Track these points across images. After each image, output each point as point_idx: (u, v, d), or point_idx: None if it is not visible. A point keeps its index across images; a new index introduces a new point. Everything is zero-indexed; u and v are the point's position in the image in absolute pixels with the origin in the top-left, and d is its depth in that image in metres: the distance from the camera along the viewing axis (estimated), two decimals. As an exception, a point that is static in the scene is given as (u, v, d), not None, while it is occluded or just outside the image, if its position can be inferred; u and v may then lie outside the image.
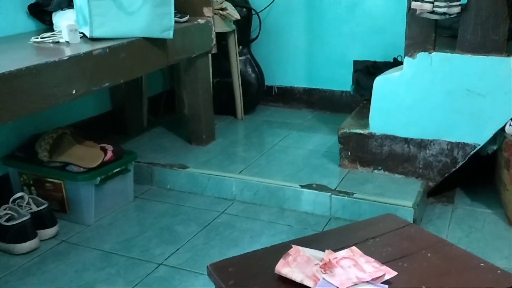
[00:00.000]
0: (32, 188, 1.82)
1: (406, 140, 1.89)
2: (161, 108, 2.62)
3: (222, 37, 2.45)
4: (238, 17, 2.45)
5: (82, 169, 1.74)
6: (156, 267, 1.55)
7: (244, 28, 2.64)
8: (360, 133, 1.97)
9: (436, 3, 1.61)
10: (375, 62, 2.50)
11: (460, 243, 1.63)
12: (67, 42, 1.61)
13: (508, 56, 1.67)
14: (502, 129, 1.73)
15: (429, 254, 0.93)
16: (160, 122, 2.56)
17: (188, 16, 2.06)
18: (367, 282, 0.83)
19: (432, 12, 1.64)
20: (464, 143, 1.80)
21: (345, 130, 2.01)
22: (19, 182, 1.84)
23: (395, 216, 1.11)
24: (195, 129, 2.28)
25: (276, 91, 2.87)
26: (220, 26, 2.35)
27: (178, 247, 1.66)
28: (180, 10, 2.02)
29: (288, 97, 2.85)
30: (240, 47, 2.62)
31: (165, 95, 2.69)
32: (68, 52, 1.50)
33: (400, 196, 1.79)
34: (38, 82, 1.36)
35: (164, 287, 1.46)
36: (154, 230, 1.77)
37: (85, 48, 1.55)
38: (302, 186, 1.89)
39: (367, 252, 0.90)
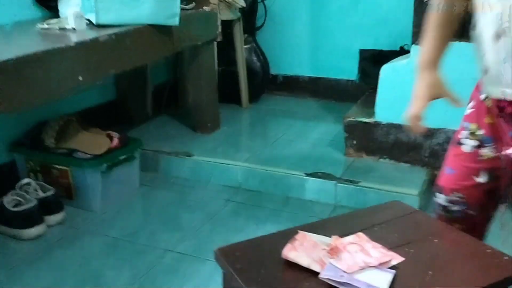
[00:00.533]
0: (39, 174, 1.83)
1: (412, 129, 1.88)
2: (165, 97, 2.62)
3: (227, 25, 2.44)
4: (244, 4, 2.43)
5: (88, 156, 1.75)
6: (162, 255, 1.56)
7: (250, 16, 2.63)
8: (366, 122, 1.97)
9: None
10: (381, 51, 2.48)
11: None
12: (73, 28, 1.61)
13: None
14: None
15: (435, 240, 0.94)
16: (165, 111, 2.56)
17: (194, 3, 2.05)
18: (374, 267, 0.83)
19: None
20: (470, 132, 1.79)
21: (350, 119, 2.00)
22: (25, 169, 1.85)
23: (401, 203, 1.11)
24: (200, 117, 2.28)
25: (281, 80, 2.86)
26: (226, 14, 2.34)
27: (184, 234, 1.67)
28: (185, -3, 2.01)
29: (294, 86, 2.85)
30: (246, 35, 2.61)
31: (171, 84, 2.69)
32: (74, 38, 1.50)
33: (405, 185, 1.79)
34: (45, 68, 1.36)
35: (171, 273, 1.48)
36: (160, 218, 1.78)
37: (91, 34, 1.54)
38: (307, 175, 1.89)
39: (373, 238, 0.91)
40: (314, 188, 1.88)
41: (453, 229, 1.00)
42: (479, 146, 1.00)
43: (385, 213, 1.05)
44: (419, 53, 1.05)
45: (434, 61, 1.01)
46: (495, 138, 0.97)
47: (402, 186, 1.78)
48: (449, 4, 0.99)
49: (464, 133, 1.03)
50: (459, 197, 1.03)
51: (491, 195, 1.02)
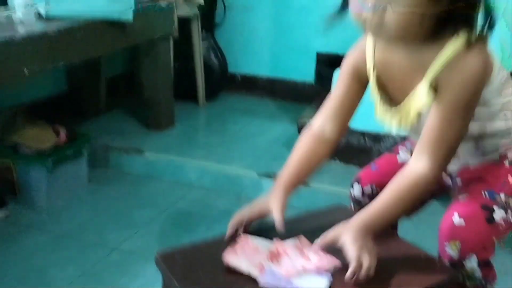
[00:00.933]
0: (-19, 169, 1.76)
1: (363, 133, 1.93)
2: (120, 90, 2.57)
3: (185, 21, 2.42)
4: (201, 1, 2.41)
5: (33, 151, 1.70)
6: (109, 252, 1.54)
7: (209, 12, 2.61)
8: (319, 124, 1.99)
9: None
10: (337, 54, 2.52)
11: (409, 234, 1.68)
12: (21, 19, 1.55)
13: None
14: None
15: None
16: (119, 105, 2.51)
17: (150, -3, 2.02)
18: (312, 271, 0.84)
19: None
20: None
21: (304, 120, 2.03)
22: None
23: (345, 207, 1.13)
24: (154, 113, 2.26)
25: (240, 79, 2.86)
26: (183, 10, 2.32)
27: (132, 232, 1.64)
28: (142, -9, 1.98)
29: (252, 85, 2.85)
30: (204, 32, 2.59)
31: (126, 77, 2.64)
32: (21, 30, 1.45)
33: (354, 187, 1.82)
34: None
35: (116, 271, 1.45)
36: (108, 215, 1.75)
37: (40, 27, 1.50)
38: (259, 175, 1.90)
39: (314, 241, 0.92)
40: (266, 188, 1.88)
41: (392, 234, 1.03)
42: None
43: (329, 216, 1.07)
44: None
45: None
46: None
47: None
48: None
49: (405, 149, 1.12)
50: (372, 189, 1.10)
51: None
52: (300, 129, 2.03)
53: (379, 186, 1.05)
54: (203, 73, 2.59)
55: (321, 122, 1.03)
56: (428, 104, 0.87)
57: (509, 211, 0.93)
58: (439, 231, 0.93)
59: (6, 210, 1.67)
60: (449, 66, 0.84)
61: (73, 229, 1.65)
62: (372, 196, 1.06)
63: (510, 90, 0.96)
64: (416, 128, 0.94)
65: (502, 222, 0.92)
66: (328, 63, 2.52)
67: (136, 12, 1.76)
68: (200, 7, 2.45)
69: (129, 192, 1.90)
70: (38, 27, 1.51)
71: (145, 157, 2.02)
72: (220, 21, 2.75)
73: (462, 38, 0.83)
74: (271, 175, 1.90)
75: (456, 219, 0.91)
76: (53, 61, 1.52)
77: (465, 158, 1.01)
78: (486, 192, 0.94)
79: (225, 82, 2.79)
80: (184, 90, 2.56)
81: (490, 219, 0.91)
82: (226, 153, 2.09)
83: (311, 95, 2.60)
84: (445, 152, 0.88)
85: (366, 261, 0.82)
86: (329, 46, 2.63)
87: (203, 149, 2.13)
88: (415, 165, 0.88)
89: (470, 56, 0.84)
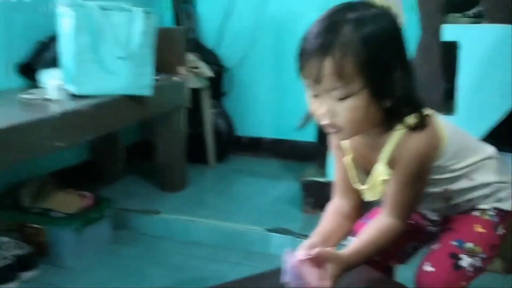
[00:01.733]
0: (15, 232, 1.92)
1: (361, 188, 2.09)
2: (136, 157, 2.78)
3: (196, 92, 2.66)
4: (210, 74, 2.67)
5: (62, 215, 1.87)
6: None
7: (216, 83, 2.87)
8: (321, 181, 2.16)
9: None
10: (335, 115, 2.73)
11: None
12: (54, 99, 1.78)
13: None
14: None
15: None
16: (135, 170, 2.70)
17: (165, 74, 2.26)
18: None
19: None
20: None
21: (307, 178, 2.20)
22: (3, 227, 1.94)
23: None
24: (168, 176, 2.44)
25: (246, 141, 3.07)
26: (194, 83, 2.57)
27: (148, 289, 1.78)
28: (157, 68, 2.22)
29: (257, 147, 3.05)
30: (212, 100, 2.83)
31: (141, 144, 2.85)
32: (55, 108, 1.66)
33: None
34: (26, 136, 1.50)
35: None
36: (126, 273, 1.88)
37: (71, 105, 1.71)
38: (267, 230, 2.05)
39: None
40: (274, 242, 2.04)
41: (394, 282, 1.16)
42: None
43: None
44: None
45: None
46: None
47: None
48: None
49: None
50: None
51: (394, 247, 1.16)
52: (303, 186, 2.20)
53: None
54: (212, 137, 2.80)
55: (338, 200, 1.14)
56: (388, 176, 1.02)
57: (476, 258, 1.06)
58: (415, 278, 1.07)
59: (37, 270, 1.82)
60: (397, 148, 0.99)
61: (96, 286, 1.79)
62: None
63: (470, 156, 1.09)
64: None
65: (471, 268, 1.05)
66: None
67: (154, 88, 1.98)
68: (209, 79, 2.70)
69: (144, 252, 2.04)
70: (69, 105, 1.72)
71: (160, 218, 2.19)
72: (227, 90, 3.00)
73: (406, 123, 0.97)
74: (278, 231, 2.05)
75: (427, 267, 1.05)
76: (83, 135, 1.73)
77: (441, 212, 1.17)
78: (455, 242, 1.07)
79: (232, 145, 2.99)
80: (196, 153, 2.76)
81: (457, 266, 1.04)
82: (234, 211, 2.25)
83: (312, 153, 2.79)
84: (406, 210, 1.04)
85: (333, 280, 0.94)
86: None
87: (213, 208, 2.29)
88: (385, 219, 1.04)
89: (413, 138, 0.97)
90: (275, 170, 2.83)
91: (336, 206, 1.14)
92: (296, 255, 1.01)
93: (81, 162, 2.51)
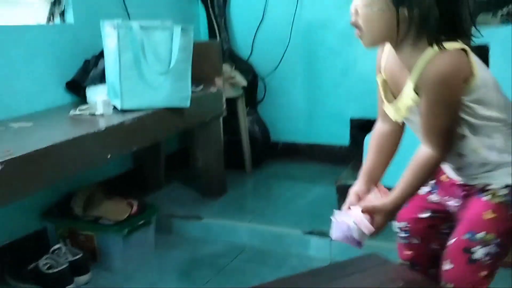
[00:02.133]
0: (67, 239, 2.06)
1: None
2: (177, 165, 2.89)
3: (232, 101, 2.76)
4: (245, 83, 2.76)
5: (111, 222, 2.00)
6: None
7: (251, 91, 2.96)
8: (355, 184, 2.21)
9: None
10: (369, 120, 2.77)
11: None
12: (102, 114, 1.91)
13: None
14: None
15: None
16: (176, 178, 2.82)
17: (202, 85, 2.37)
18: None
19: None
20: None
21: (341, 182, 2.25)
22: (56, 235, 2.09)
23: (377, 255, 1.33)
24: (208, 183, 2.54)
25: (281, 146, 3.15)
26: (230, 92, 2.67)
27: (194, 289, 1.88)
28: (195, 80, 2.33)
29: (292, 152, 3.12)
30: (248, 108, 2.92)
31: (181, 153, 2.98)
32: (103, 123, 1.79)
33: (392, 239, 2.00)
34: (79, 149, 1.63)
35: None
36: (172, 276, 1.99)
37: (118, 119, 1.84)
38: (305, 233, 2.12)
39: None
40: (311, 245, 2.10)
41: (429, 282, 1.20)
42: (429, 192, 1.26)
43: (363, 264, 1.27)
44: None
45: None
46: (440, 187, 1.23)
47: (389, 240, 2.00)
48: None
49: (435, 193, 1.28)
50: (405, 225, 1.28)
51: (432, 229, 1.24)
52: (338, 189, 2.25)
53: (409, 222, 1.26)
54: (249, 144, 2.89)
55: (380, 123, 1.21)
56: (415, 101, 1.04)
57: (490, 245, 1.06)
58: (440, 277, 1.12)
59: (90, 275, 1.95)
60: (425, 69, 0.97)
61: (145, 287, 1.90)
62: (405, 230, 1.27)
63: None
64: (411, 121, 1.11)
65: (487, 257, 1.06)
66: (361, 128, 2.77)
67: (192, 99, 2.09)
68: (243, 88, 2.80)
69: (189, 255, 2.15)
70: (116, 119, 1.84)
71: (202, 223, 2.29)
72: (262, 98, 3.09)
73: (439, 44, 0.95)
74: (314, 232, 2.11)
75: (446, 265, 1.10)
76: (129, 146, 1.86)
77: (458, 173, 1.14)
78: (467, 235, 1.08)
79: (268, 151, 3.07)
80: (233, 160, 2.85)
81: (472, 260, 1.07)
82: (272, 214, 2.33)
83: (346, 157, 2.85)
84: (441, 139, 1.04)
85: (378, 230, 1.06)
86: (361, 112, 2.89)
87: (252, 212, 2.38)
88: (423, 151, 1.07)
89: (437, 60, 0.96)
90: (310, 174, 2.89)
91: (378, 129, 1.21)
92: (342, 213, 1.11)
93: (126, 171, 2.64)
